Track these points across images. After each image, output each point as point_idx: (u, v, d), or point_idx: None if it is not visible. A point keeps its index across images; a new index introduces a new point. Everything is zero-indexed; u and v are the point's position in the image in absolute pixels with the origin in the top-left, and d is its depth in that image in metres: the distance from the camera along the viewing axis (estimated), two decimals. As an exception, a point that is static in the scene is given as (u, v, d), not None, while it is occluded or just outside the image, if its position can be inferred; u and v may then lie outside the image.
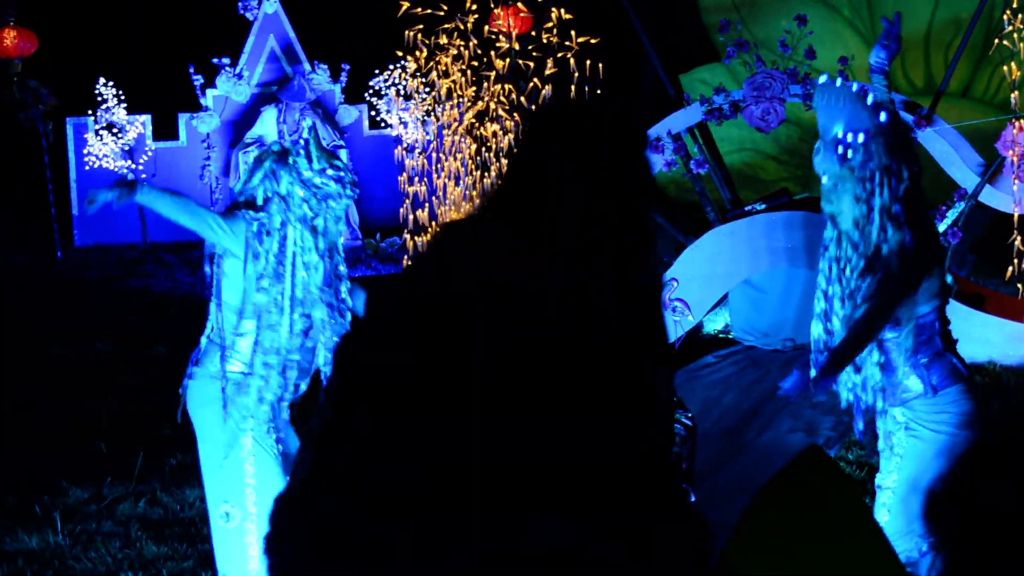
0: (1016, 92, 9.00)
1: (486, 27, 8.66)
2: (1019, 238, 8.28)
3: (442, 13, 8.49)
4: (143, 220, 14.78)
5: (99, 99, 14.52)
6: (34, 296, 12.31)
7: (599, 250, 1.98)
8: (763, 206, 6.09)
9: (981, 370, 7.98)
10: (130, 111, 14.75)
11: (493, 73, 8.57)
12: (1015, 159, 8.04)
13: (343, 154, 14.77)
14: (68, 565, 5.41)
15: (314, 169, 4.20)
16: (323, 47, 15.96)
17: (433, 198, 8.72)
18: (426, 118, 10.42)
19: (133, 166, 14.69)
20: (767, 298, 5.30)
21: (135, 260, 13.98)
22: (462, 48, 8.48)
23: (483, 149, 8.54)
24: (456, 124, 8.65)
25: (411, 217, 8.60)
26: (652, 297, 2.07)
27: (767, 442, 5.05)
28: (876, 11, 13.38)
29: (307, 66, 15.33)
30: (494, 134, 8.66)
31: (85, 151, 14.80)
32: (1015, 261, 8.41)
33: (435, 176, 8.75)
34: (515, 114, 8.63)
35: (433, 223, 8.88)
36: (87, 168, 14.84)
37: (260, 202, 4.19)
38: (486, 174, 8.64)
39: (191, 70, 14.90)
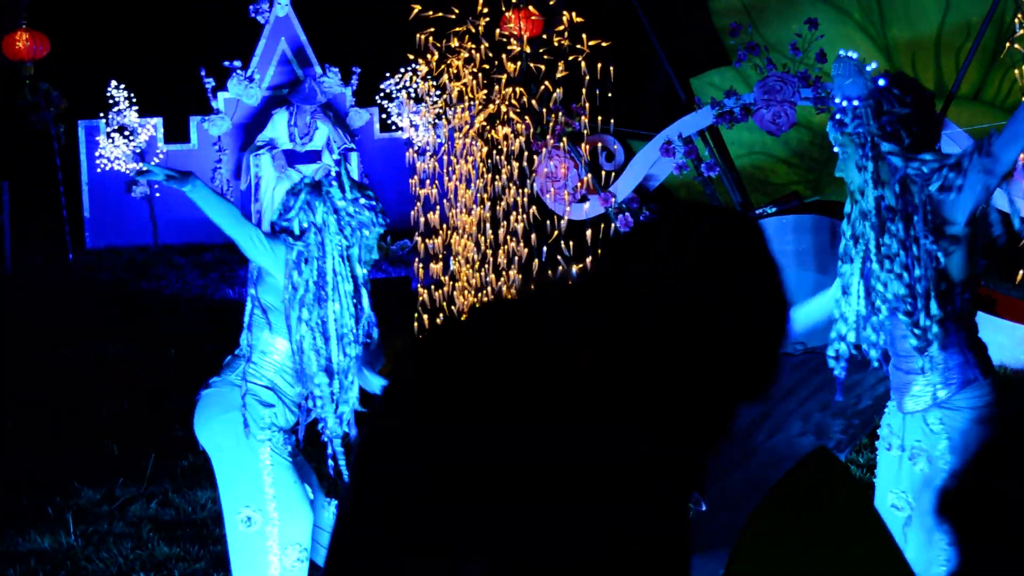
0: (1027, 95, 9.00)
1: (497, 30, 8.66)
2: (1030, 241, 8.25)
3: (453, 16, 8.49)
4: (154, 222, 14.81)
5: (111, 102, 14.56)
6: (46, 298, 12.35)
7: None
8: (774, 209, 6.10)
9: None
10: (141, 114, 14.78)
11: (504, 76, 8.57)
12: (1026, 163, 8.03)
13: (354, 157, 14.79)
14: (80, 566, 5.44)
15: (347, 199, 4.27)
16: (334, 50, 15.96)
17: (444, 201, 8.72)
18: (437, 121, 10.40)
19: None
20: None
21: (146, 262, 14.02)
22: (473, 51, 8.48)
23: (494, 152, 8.54)
24: (467, 127, 8.65)
25: (422, 220, 8.61)
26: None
27: (777, 445, 5.05)
28: (887, 15, 13.37)
29: (318, 69, 15.34)
30: (505, 137, 8.66)
31: (97, 154, 14.83)
32: (1026, 265, 8.39)
33: (446, 179, 8.74)
34: (526, 117, 8.64)
35: (444, 226, 8.88)
36: (99, 171, 14.88)
37: (297, 232, 4.26)
38: (497, 177, 8.64)
39: (202, 73, 14.91)
